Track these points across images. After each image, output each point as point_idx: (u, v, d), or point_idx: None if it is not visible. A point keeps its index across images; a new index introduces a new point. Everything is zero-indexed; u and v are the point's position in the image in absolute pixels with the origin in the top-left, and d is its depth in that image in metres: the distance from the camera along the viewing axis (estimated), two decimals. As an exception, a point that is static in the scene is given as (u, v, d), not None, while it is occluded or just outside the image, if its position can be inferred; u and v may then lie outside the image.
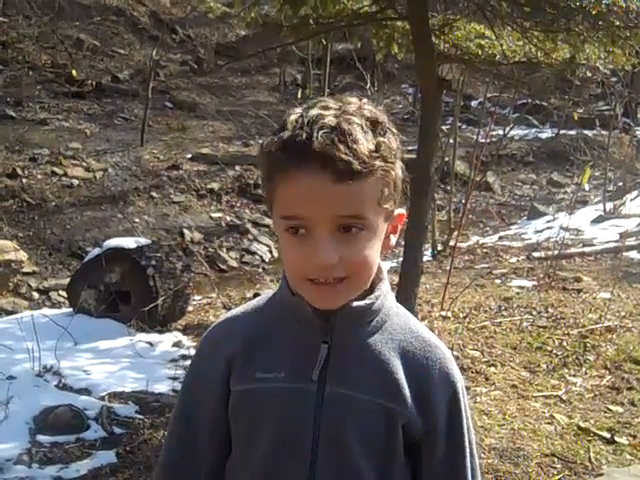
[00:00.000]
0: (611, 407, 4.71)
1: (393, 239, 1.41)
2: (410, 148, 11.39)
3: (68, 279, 6.95)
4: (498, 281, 7.70)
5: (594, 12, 4.21)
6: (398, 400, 1.37)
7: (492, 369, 5.19)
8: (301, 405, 1.37)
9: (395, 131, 1.34)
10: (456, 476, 1.44)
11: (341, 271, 1.30)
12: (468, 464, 1.45)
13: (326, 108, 1.29)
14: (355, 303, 1.37)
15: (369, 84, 11.86)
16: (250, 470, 1.42)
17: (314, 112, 1.28)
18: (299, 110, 1.31)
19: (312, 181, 1.25)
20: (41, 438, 4.17)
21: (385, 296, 1.42)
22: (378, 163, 1.28)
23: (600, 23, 4.52)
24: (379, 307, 1.40)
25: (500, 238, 10.79)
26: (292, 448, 1.37)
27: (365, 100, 1.34)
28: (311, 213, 1.27)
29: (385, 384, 1.38)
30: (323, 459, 1.36)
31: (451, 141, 10.16)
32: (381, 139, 1.29)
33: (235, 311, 1.51)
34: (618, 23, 4.40)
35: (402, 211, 1.41)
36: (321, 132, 1.24)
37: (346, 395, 1.36)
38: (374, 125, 1.30)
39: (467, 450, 1.45)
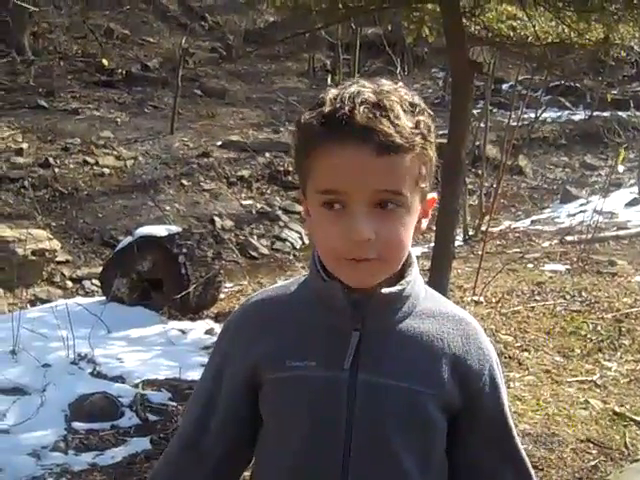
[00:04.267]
0: (647, 392, 4.65)
1: (424, 223, 1.40)
2: (441, 132, 11.22)
3: (101, 268, 7.01)
4: (530, 265, 7.62)
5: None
6: (434, 383, 1.36)
7: (525, 354, 5.15)
8: (334, 394, 1.35)
9: (431, 113, 1.34)
10: (503, 444, 1.46)
11: (376, 250, 1.29)
12: (514, 432, 1.47)
13: (364, 87, 1.29)
14: (386, 290, 1.35)
15: (399, 68, 11.77)
16: (284, 461, 1.40)
17: (354, 89, 1.29)
18: (336, 89, 1.31)
19: (352, 154, 1.25)
20: (76, 425, 4.22)
21: (415, 281, 1.40)
22: (418, 140, 1.28)
23: (635, 2, 4.43)
24: (410, 293, 1.38)
25: (532, 222, 10.68)
26: (326, 437, 1.35)
27: (400, 83, 1.34)
28: (349, 187, 1.26)
29: (419, 369, 1.36)
30: (357, 448, 1.34)
31: (482, 125, 10.07)
32: (420, 117, 1.30)
33: (265, 294, 1.48)
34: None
35: (434, 195, 1.40)
36: (363, 106, 1.25)
37: (379, 383, 1.34)
38: (412, 106, 1.30)
39: (510, 420, 1.47)
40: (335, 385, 1.35)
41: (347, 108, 1.25)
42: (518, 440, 1.48)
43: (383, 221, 1.28)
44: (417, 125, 1.28)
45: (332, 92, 1.30)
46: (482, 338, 1.44)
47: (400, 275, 1.38)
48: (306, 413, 1.37)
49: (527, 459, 1.49)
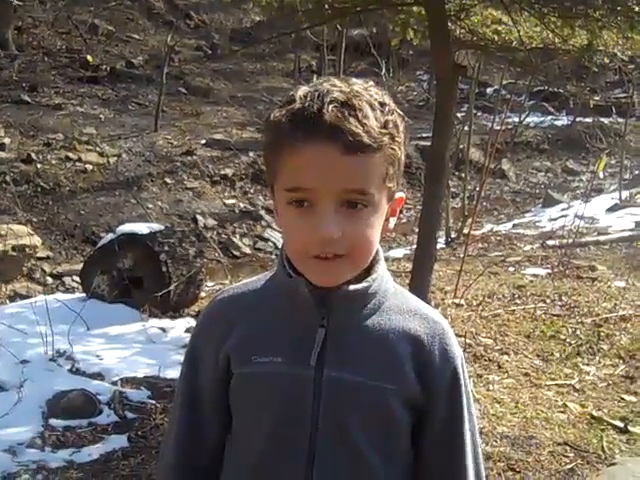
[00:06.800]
0: (625, 396, 4.68)
1: (392, 222, 1.41)
2: (425, 135, 11.34)
3: (81, 264, 6.97)
4: (512, 269, 7.65)
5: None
6: (398, 380, 1.36)
7: (505, 357, 5.17)
8: (300, 390, 1.35)
9: (401, 113, 1.34)
10: (452, 456, 1.43)
11: (343, 248, 1.29)
12: (467, 445, 1.43)
13: (334, 85, 1.30)
14: (352, 286, 1.35)
15: (384, 70, 11.79)
16: (248, 458, 1.40)
17: (323, 87, 1.29)
18: (306, 87, 1.31)
19: (320, 153, 1.25)
20: (54, 422, 4.19)
21: (382, 278, 1.41)
22: (386, 140, 1.28)
23: (619, 8, 4.46)
24: (376, 289, 1.39)
25: (514, 226, 10.74)
26: (290, 435, 1.36)
27: (371, 83, 1.34)
28: (317, 185, 1.27)
29: (384, 366, 1.36)
30: (322, 444, 1.35)
31: (466, 128, 10.11)
32: (389, 117, 1.30)
33: (233, 290, 1.49)
34: (638, 9, 4.34)
35: (402, 194, 1.41)
36: (332, 105, 1.25)
37: (344, 379, 1.35)
38: (381, 105, 1.30)
39: (466, 427, 1.43)
40: (301, 382, 1.35)
41: (316, 106, 1.25)
42: (469, 449, 1.44)
43: (350, 220, 1.28)
44: (385, 125, 1.29)
45: (302, 90, 1.30)
46: (449, 339, 1.42)
47: (367, 272, 1.38)
48: (271, 410, 1.37)
49: (472, 470, 1.45)
